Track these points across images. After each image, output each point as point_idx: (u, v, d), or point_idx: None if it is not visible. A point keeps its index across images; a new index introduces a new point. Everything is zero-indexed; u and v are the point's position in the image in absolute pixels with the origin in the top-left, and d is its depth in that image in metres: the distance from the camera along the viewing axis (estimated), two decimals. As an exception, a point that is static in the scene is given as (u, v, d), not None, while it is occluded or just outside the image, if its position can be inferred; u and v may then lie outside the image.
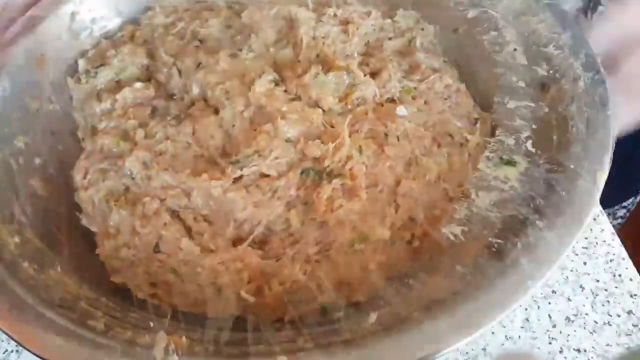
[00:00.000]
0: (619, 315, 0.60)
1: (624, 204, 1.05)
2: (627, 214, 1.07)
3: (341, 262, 0.54)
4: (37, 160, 0.65)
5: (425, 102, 0.64)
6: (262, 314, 0.54)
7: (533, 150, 0.55)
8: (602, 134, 0.52)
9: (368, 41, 0.72)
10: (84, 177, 0.62)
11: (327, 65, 0.65)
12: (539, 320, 0.61)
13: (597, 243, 0.65)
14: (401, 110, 0.61)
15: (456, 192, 0.57)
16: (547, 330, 0.60)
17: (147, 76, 0.74)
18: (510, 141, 0.57)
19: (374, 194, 0.57)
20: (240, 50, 0.68)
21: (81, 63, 0.74)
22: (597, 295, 0.61)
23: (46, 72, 0.71)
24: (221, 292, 0.54)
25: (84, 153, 0.65)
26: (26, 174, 0.62)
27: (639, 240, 0.87)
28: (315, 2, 0.72)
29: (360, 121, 0.61)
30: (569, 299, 0.62)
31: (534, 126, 0.57)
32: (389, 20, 0.75)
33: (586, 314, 0.60)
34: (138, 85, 0.69)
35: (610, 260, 0.64)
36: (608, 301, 0.61)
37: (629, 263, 0.63)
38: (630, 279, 0.62)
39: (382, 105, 0.63)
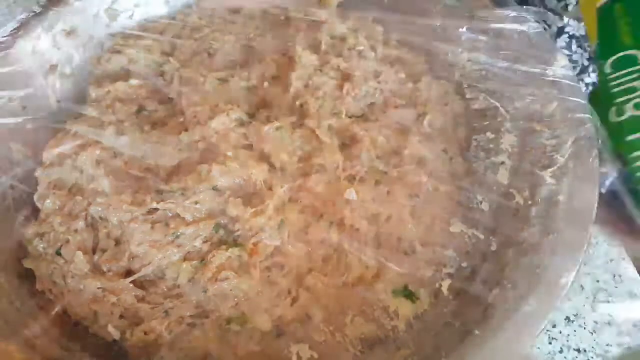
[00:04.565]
0: (619, 315, 0.58)
1: None
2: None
3: (211, 337, 0.50)
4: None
5: (388, 192, 0.56)
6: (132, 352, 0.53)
7: (445, 293, 0.46)
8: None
9: (373, 103, 0.65)
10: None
11: (303, 119, 0.60)
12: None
13: (597, 243, 0.63)
14: (351, 194, 0.54)
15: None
16: (547, 330, 0.58)
17: (160, 72, 0.74)
18: (428, 272, 0.48)
19: (275, 277, 0.51)
20: (233, 76, 0.65)
21: (106, 44, 0.76)
22: (597, 295, 0.60)
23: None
24: (97, 316, 0.53)
25: (60, 133, 0.67)
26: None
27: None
28: (330, 46, 0.66)
29: (305, 191, 0.55)
30: (568, 299, 0.59)
31: (463, 264, 0.47)
32: (410, 85, 0.67)
33: (586, 314, 0.58)
34: (133, 82, 0.69)
35: (610, 260, 0.62)
36: (608, 301, 0.59)
37: (629, 263, 0.62)
38: (631, 279, 0.61)
39: (337, 182, 0.56)
